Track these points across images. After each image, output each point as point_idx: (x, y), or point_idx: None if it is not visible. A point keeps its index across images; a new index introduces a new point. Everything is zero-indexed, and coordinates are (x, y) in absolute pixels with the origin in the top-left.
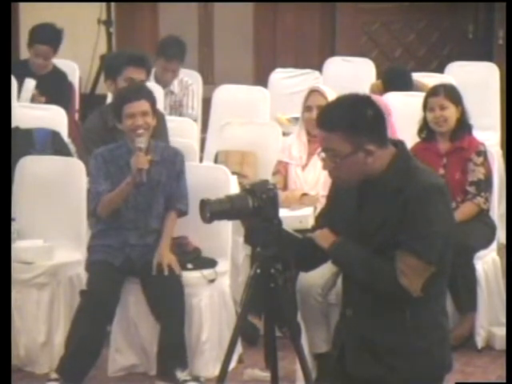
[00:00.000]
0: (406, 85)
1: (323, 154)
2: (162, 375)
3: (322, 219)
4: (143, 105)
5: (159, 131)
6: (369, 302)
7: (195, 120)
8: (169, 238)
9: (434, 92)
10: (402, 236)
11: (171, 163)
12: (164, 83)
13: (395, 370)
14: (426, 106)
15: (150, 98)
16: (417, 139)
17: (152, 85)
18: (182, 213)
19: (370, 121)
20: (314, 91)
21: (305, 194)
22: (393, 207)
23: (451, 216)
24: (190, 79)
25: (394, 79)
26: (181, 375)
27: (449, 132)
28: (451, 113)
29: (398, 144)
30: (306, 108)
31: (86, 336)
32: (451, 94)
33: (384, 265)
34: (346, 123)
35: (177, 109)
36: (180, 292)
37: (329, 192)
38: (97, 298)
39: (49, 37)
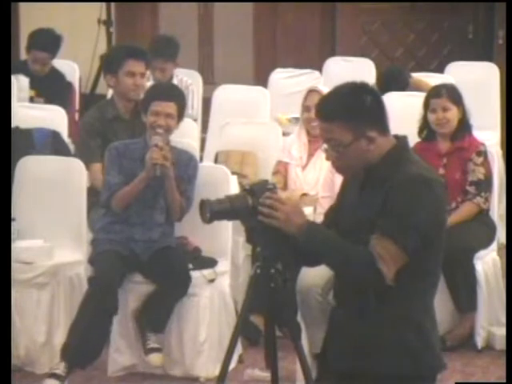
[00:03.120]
0: (401, 87)
1: (325, 145)
2: (137, 323)
3: (330, 213)
4: (171, 107)
5: None
6: (346, 292)
7: (195, 120)
8: None
9: (436, 93)
10: (380, 221)
11: (184, 166)
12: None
13: (371, 365)
14: (427, 107)
15: (181, 101)
16: (417, 139)
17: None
18: (183, 208)
19: (369, 107)
20: (312, 91)
21: (305, 194)
22: (378, 195)
23: (436, 211)
24: (189, 79)
25: (390, 80)
26: (151, 342)
27: (450, 132)
28: (453, 114)
29: (400, 137)
30: (305, 108)
31: (95, 321)
32: (453, 94)
33: (360, 248)
34: (344, 111)
35: None
36: (184, 269)
37: (339, 189)
38: (105, 285)
39: (47, 43)
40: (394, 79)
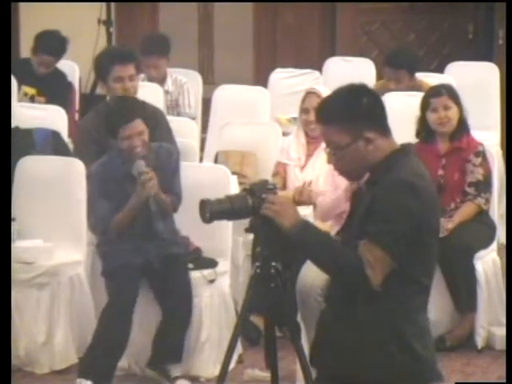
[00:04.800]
0: (406, 62)
1: (327, 148)
2: (153, 365)
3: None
4: (139, 125)
5: (161, 130)
6: (335, 295)
7: (194, 118)
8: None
9: (436, 92)
10: (368, 227)
11: (166, 161)
12: (152, 80)
13: (352, 368)
14: (426, 107)
15: (143, 114)
16: (416, 139)
17: (149, 85)
18: (175, 204)
19: (366, 108)
20: (310, 93)
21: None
22: (366, 199)
23: (421, 217)
24: (184, 78)
25: (399, 54)
26: (173, 371)
27: (450, 132)
28: (454, 113)
29: (405, 144)
30: (303, 110)
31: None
32: (453, 94)
33: (349, 252)
34: (340, 114)
35: (174, 108)
36: (188, 291)
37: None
38: (123, 310)
39: (54, 48)
40: (402, 53)
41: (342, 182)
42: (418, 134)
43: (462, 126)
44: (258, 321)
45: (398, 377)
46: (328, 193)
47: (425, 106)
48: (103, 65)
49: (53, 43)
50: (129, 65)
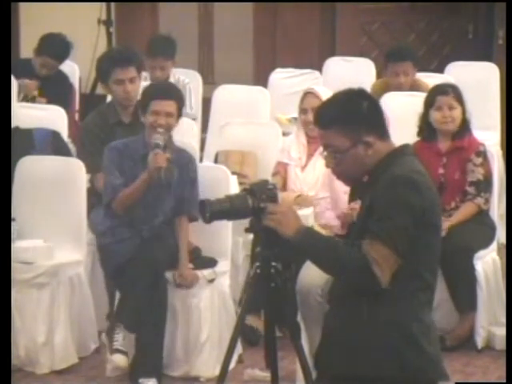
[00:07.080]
0: (410, 54)
1: (325, 152)
2: (131, 378)
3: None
4: (170, 105)
5: None
6: (339, 295)
7: (194, 119)
8: (186, 251)
9: (443, 91)
10: (370, 225)
11: (185, 166)
12: (155, 80)
13: (360, 367)
14: (431, 104)
15: (179, 99)
16: (417, 139)
17: None
18: (194, 218)
19: (365, 112)
20: (308, 93)
21: (299, 196)
22: (366, 198)
23: (423, 212)
24: (186, 78)
25: (401, 48)
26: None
27: (452, 131)
28: (458, 113)
29: (403, 145)
30: (302, 110)
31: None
32: (458, 94)
33: (354, 252)
34: (340, 118)
35: None
36: (163, 301)
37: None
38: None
39: (59, 52)
40: (406, 47)
41: (339, 186)
42: (419, 132)
43: (465, 126)
44: (256, 323)
45: (404, 374)
46: (325, 201)
47: (429, 103)
48: (104, 68)
49: (58, 47)
50: (129, 67)
